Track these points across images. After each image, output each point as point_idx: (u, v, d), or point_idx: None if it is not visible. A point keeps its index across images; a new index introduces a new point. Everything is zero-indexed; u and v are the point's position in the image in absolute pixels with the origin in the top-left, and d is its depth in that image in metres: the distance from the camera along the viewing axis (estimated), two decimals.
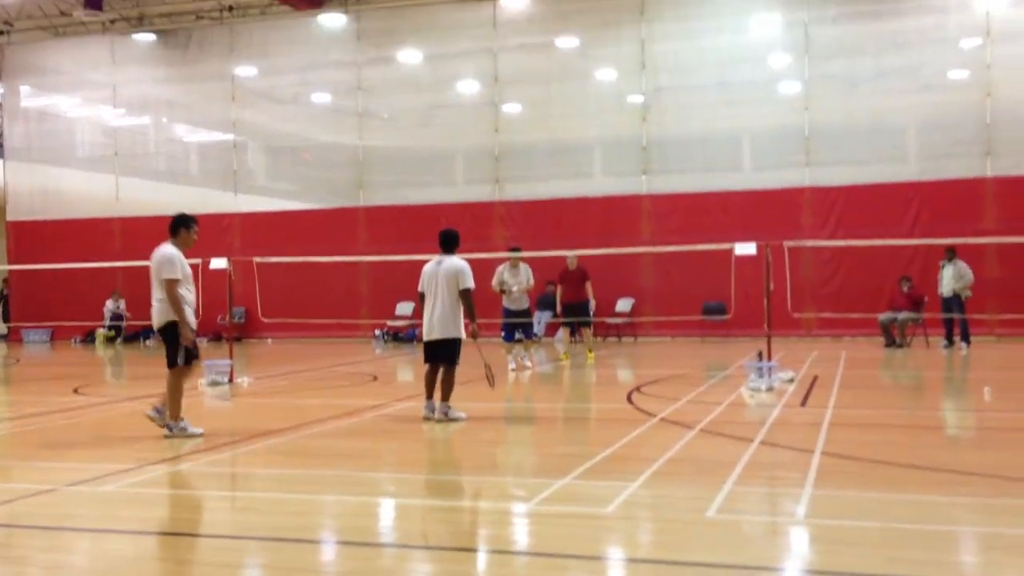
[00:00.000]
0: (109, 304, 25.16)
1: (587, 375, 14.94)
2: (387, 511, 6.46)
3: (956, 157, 20.72)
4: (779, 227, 19.60)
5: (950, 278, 17.85)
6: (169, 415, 8.96)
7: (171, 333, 8.95)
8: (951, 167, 20.72)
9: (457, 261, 9.90)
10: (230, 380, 13.91)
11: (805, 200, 21.48)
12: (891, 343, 18.64)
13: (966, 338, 18.00)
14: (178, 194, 25.36)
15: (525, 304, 15.21)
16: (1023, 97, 20.42)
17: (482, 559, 5.20)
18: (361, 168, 24.64)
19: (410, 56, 24.56)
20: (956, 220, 19.84)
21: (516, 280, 14.96)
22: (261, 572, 5.12)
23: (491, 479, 7.40)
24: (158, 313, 8.98)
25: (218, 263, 14.17)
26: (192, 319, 9.01)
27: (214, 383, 13.44)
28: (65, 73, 27.35)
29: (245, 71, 25.69)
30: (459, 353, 9.93)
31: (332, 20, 24.59)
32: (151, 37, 26.15)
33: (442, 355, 9.89)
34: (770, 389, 11.69)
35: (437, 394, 9.91)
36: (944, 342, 18.19)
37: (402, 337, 23.07)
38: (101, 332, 25.16)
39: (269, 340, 24.35)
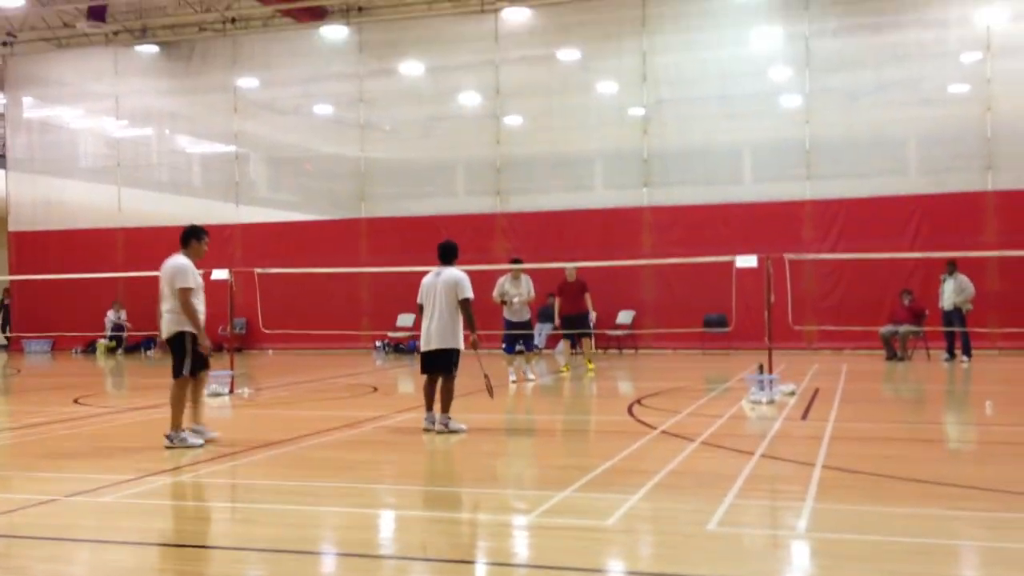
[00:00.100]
0: (110, 314, 25.18)
1: (587, 387, 14.93)
2: (387, 523, 6.44)
3: (957, 171, 20.76)
4: (780, 240, 19.63)
5: (951, 291, 17.84)
6: (170, 425, 8.98)
7: (179, 343, 9.00)
8: (952, 180, 20.75)
9: (456, 272, 9.91)
10: (231, 391, 13.94)
11: (806, 213, 21.50)
12: (892, 356, 18.64)
13: (967, 351, 17.99)
14: (180, 205, 25.44)
15: (526, 316, 15.19)
16: (1023, 111, 20.48)
17: (482, 571, 5.19)
18: (362, 180, 24.69)
19: (412, 68, 24.64)
20: (957, 233, 19.87)
21: (517, 292, 14.96)
22: None
23: (491, 491, 7.39)
24: (168, 323, 9.03)
25: (219, 274, 14.18)
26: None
27: (215, 393, 13.44)
28: (68, 84, 27.46)
29: (247, 83, 25.77)
30: (457, 364, 9.90)
31: (334, 32, 24.68)
32: (154, 49, 26.26)
33: (439, 365, 9.87)
34: (771, 402, 11.68)
35: (437, 405, 9.90)
36: (945, 355, 18.18)
37: (403, 348, 23.08)
38: (102, 342, 25.16)
39: (270, 351, 24.35)
